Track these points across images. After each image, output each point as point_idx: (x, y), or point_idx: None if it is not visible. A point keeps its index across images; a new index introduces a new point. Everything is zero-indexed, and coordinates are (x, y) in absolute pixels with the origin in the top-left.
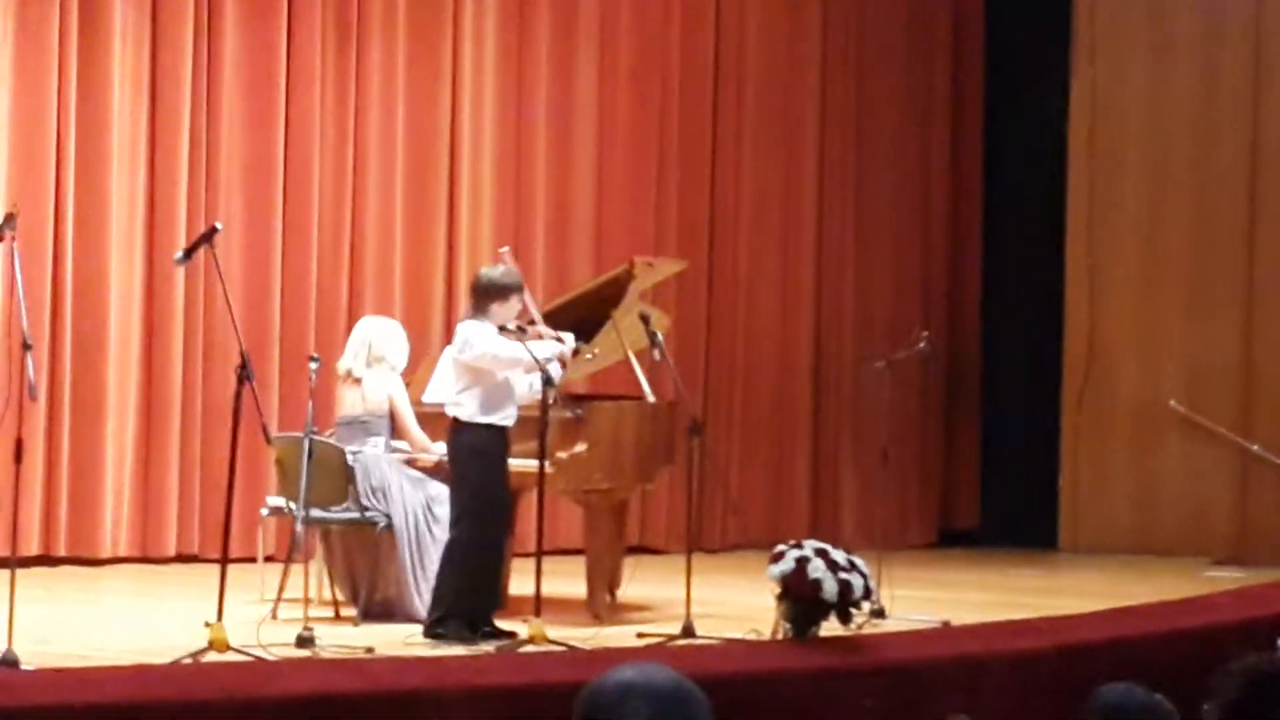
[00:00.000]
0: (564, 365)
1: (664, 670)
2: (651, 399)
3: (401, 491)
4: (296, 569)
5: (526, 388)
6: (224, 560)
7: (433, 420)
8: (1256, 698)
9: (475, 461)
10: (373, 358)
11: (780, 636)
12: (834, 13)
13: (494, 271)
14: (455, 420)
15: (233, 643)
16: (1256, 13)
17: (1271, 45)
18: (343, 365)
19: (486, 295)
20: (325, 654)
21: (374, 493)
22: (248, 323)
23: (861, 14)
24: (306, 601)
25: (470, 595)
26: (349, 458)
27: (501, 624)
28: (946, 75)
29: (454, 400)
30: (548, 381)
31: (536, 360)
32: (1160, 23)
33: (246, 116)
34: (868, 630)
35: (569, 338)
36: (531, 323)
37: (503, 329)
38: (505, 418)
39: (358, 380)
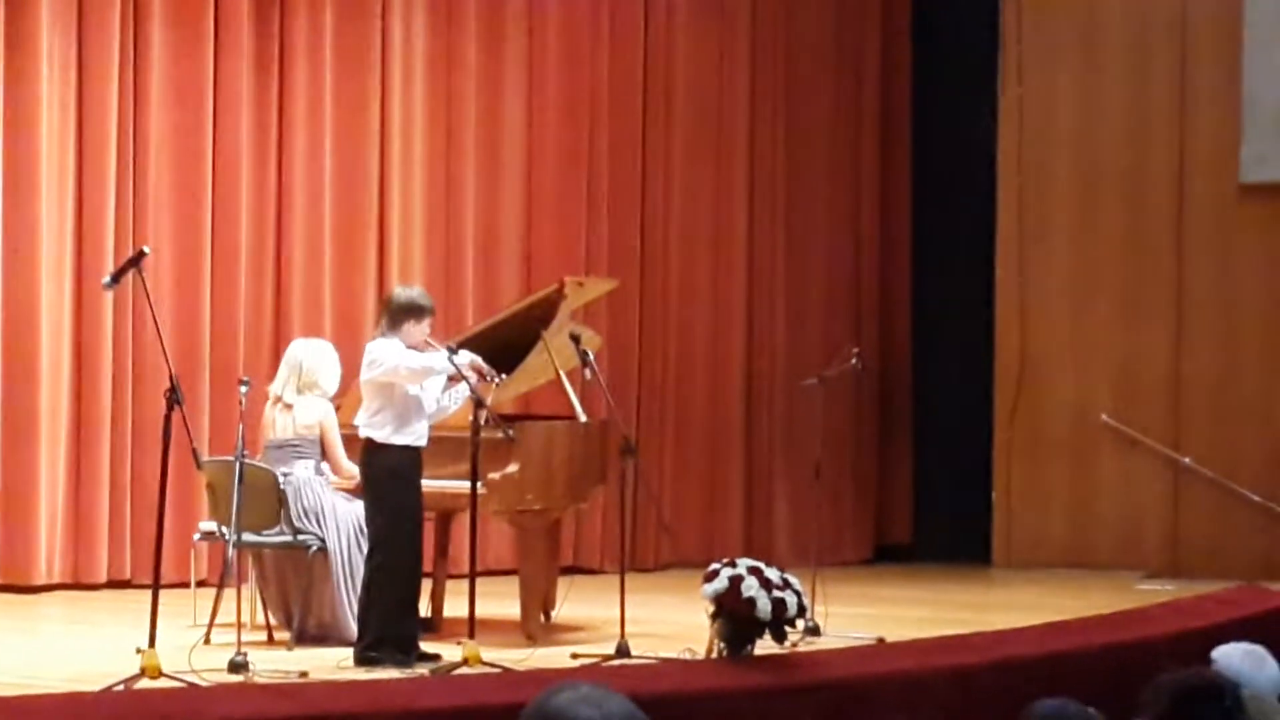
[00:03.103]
0: (482, 376)
1: (615, 698)
2: (583, 418)
3: (334, 512)
4: (229, 594)
5: (434, 404)
6: (156, 586)
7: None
8: (1186, 711)
9: (391, 483)
10: (304, 384)
11: (715, 655)
12: (762, 34)
13: (411, 291)
14: (369, 441)
15: (166, 669)
16: (1183, 27)
17: (1199, 58)
18: (274, 390)
19: (402, 313)
20: (259, 679)
21: (307, 514)
22: (177, 346)
23: (789, 35)
24: (240, 626)
25: (397, 619)
26: (280, 480)
27: (435, 646)
28: (875, 93)
29: (366, 422)
30: (479, 403)
31: (456, 365)
32: (1088, 37)
33: (174, 141)
34: (803, 648)
35: (470, 356)
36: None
37: (412, 349)
38: (418, 437)
39: (289, 406)
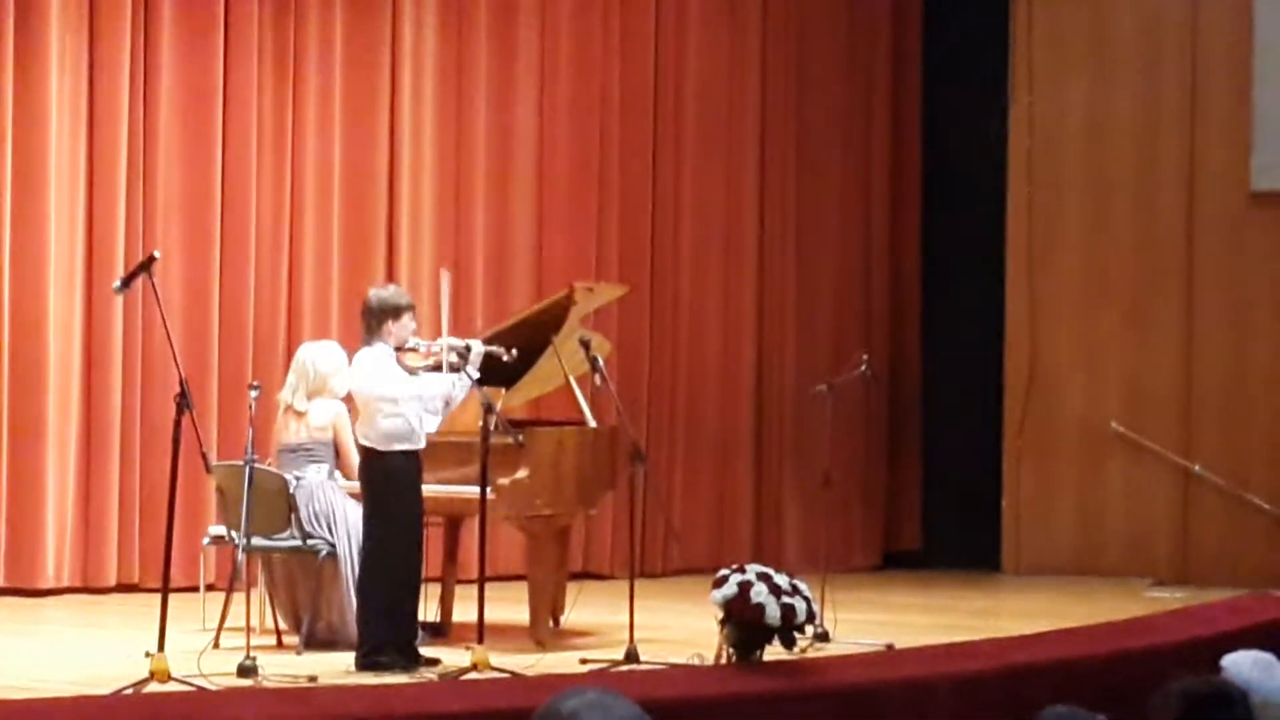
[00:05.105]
0: (497, 359)
1: (623, 704)
2: (593, 424)
3: (345, 516)
4: (238, 598)
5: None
6: (165, 590)
7: None
8: (1195, 718)
9: (388, 487)
10: (313, 389)
11: (724, 661)
12: (773, 39)
13: (384, 291)
14: (367, 450)
15: (174, 673)
16: (1193, 36)
17: (1209, 67)
18: (283, 398)
19: (381, 315)
20: (268, 683)
21: (317, 518)
22: (187, 351)
23: (800, 40)
24: (249, 630)
25: (397, 623)
26: (291, 484)
27: (444, 651)
28: (885, 99)
29: (363, 433)
30: (489, 409)
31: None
32: (1099, 45)
33: (184, 144)
34: (812, 654)
35: (476, 344)
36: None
37: (400, 349)
38: (415, 442)
39: (300, 413)
